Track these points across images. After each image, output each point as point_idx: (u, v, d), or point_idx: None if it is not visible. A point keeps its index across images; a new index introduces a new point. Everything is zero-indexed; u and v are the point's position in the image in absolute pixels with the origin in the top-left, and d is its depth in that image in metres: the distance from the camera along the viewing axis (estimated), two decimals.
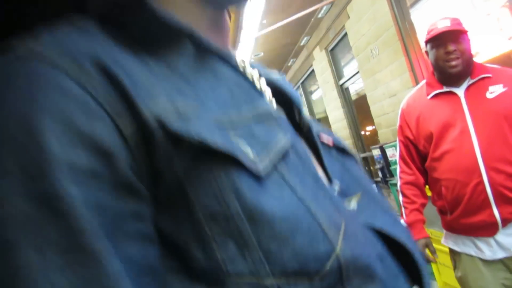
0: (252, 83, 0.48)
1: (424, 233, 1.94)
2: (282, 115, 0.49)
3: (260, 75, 0.55)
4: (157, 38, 0.42)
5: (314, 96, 8.70)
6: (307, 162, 0.45)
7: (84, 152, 0.31)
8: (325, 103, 7.24)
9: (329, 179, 0.51)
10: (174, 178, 0.35)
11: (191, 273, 0.35)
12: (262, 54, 6.74)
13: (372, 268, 0.40)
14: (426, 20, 3.85)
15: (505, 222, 1.72)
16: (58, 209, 0.29)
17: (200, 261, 0.35)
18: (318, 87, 7.60)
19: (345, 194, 0.51)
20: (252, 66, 0.58)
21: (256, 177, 0.37)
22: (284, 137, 0.43)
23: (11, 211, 0.29)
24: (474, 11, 3.12)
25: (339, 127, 6.79)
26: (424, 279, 0.49)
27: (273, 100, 0.54)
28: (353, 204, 0.50)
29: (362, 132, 6.47)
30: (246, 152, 0.38)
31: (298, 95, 0.62)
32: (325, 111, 7.50)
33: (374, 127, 5.52)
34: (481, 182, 1.70)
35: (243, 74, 0.48)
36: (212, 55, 0.45)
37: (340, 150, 0.60)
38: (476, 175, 1.71)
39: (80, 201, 0.30)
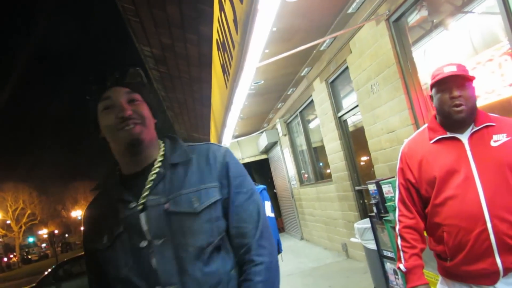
0: (122, 201, 1.27)
1: (423, 279, 1.89)
2: (134, 208, 1.24)
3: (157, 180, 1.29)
4: (99, 199, 1.40)
5: (311, 125, 8.74)
6: (133, 234, 1.22)
7: (85, 244, 1.36)
8: (322, 133, 7.28)
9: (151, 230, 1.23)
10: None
11: None
12: (262, 82, 6.80)
13: (136, 284, 1.20)
14: (427, 60, 3.91)
15: (507, 271, 1.71)
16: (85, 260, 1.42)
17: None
18: (316, 117, 7.64)
19: (155, 237, 1.21)
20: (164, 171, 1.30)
21: (104, 249, 1.25)
22: (120, 228, 1.23)
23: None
24: (476, 56, 3.18)
25: (335, 158, 6.81)
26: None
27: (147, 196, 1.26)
28: (156, 243, 1.20)
29: (361, 162, 6.48)
30: (103, 240, 1.26)
31: (156, 182, 1.29)
32: (321, 141, 7.53)
33: (368, 158, 5.54)
34: (485, 230, 1.70)
35: (118, 199, 1.27)
36: (109, 196, 1.32)
37: (171, 212, 1.23)
38: (480, 222, 1.70)
39: (87, 260, 1.38)
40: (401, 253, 1.94)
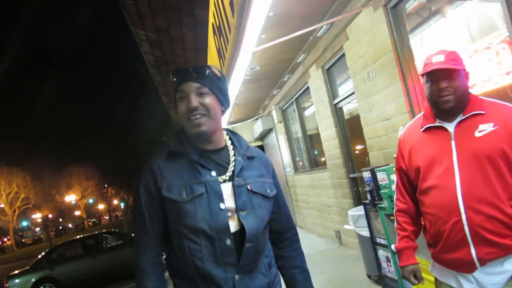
0: (203, 167, 1.60)
1: (412, 259, 1.94)
2: (215, 178, 1.60)
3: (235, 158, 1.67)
4: (175, 157, 1.64)
5: (307, 113, 8.73)
6: (213, 197, 1.56)
7: (144, 187, 1.61)
8: (317, 120, 7.26)
9: (235, 203, 1.60)
10: (162, 201, 1.59)
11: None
12: (258, 68, 6.75)
13: (207, 233, 1.54)
14: (424, 47, 3.89)
15: (482, 261, 1.73)
16: (137, 200, 1.63)
17: (172, 227, 1.60)
18: (312, 104, 7.62)
19: (241, 209, 1.58)
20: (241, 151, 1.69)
21: (183, 202, 1.55)
22: (202, 189, 1.56)
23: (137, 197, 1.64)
24: (473, 44, 3.15)
25: (330, 146, 6.80)
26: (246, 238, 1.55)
27: (229, 171, 1.63)
28: (242, 213, 1.58)
29: (356, 151, 6.48)
30: (182, 194, 1.56)
31: (238, 167, 1.64)
32: (317, 128, 7.52)
33: (363, 146, 5.53)
34: (459, 221, 1.71)
35: (200, 164, 1.60)
36: (189, 158, 1.61)
37: (253, 192, 1.62)
38: (455, 213, 1.72)
39: (142, 200, 1.61)
40: (396, 235, 2.02)
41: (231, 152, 1.66)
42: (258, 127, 11.62)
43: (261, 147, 13.72)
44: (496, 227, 1.68)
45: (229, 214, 1.56)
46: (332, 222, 7.64)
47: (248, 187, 1.61)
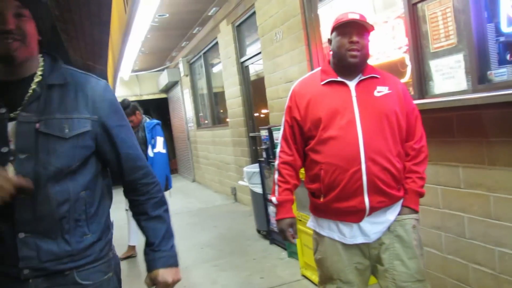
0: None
1: (291, 213, 2.04)
2: (2, 115, 1.26)
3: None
4: None
5: (214, 70, 8.63)
6: None
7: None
8: (224, 77, 7.23)
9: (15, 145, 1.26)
10: None
11: None
12: (167, 15, 6.48)
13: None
14: (332, 16, 3.99)
15: (372, 210, 1.89)
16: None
17: None
18: (220, 62, 7.55)
19: (20, 151, 1.24)
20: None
21: None
22: None
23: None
24: (374, 16, 3.30)
25: (233, 103, 6.84)
26: None
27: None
28: (21, 157, 1.24)
29: (257, 114, 6.58)
30: None
31: (31, 100, 1.30)
32: (222, 87, 7.49)
33: (266, 107, 5.63)
34: (359, 170, 1.85)
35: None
36: None
37: (41, 132, 1.27)
38: (356, 163, 1.85)
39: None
40: (276, 187, 2.05)
41: (34, 82, 1.31)
42: (164, 79, 11.29)
43: (165, 100, 13.40)
44: (387, 178, 1.87)
45: (11, 158, 1.25)
46: (229, 179, 7.79)
47: (37, 125, 1.27)
